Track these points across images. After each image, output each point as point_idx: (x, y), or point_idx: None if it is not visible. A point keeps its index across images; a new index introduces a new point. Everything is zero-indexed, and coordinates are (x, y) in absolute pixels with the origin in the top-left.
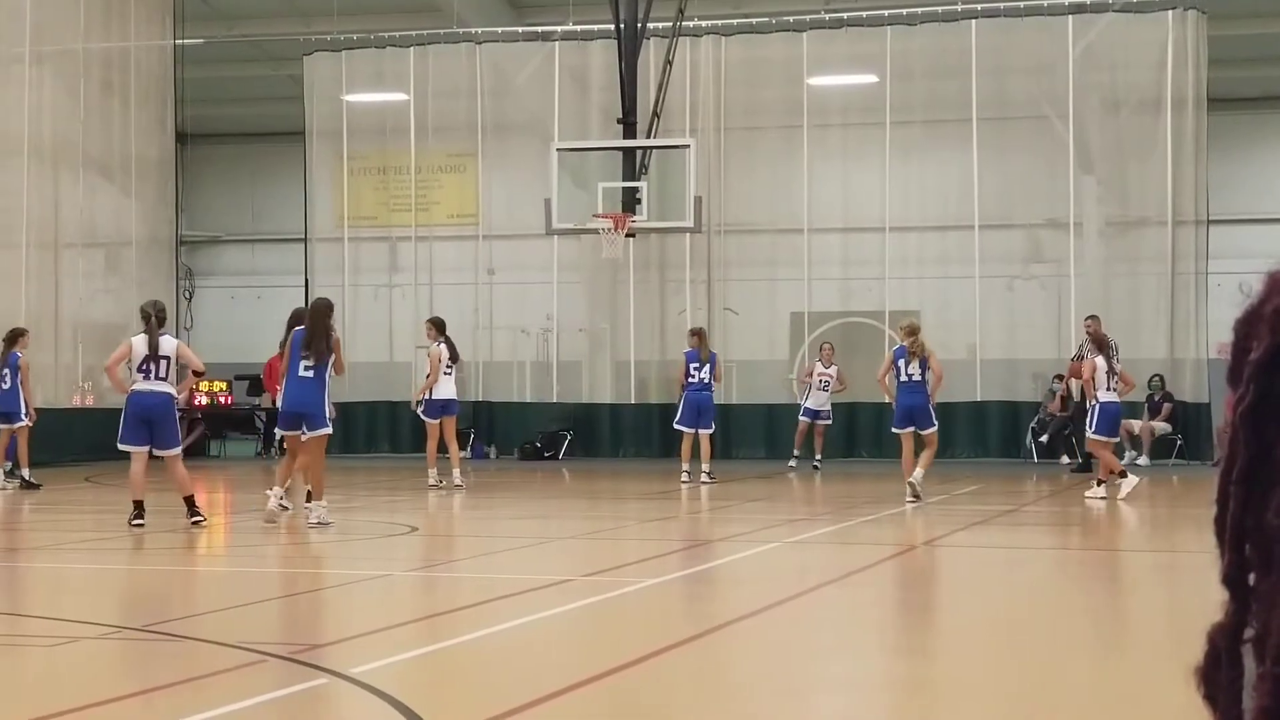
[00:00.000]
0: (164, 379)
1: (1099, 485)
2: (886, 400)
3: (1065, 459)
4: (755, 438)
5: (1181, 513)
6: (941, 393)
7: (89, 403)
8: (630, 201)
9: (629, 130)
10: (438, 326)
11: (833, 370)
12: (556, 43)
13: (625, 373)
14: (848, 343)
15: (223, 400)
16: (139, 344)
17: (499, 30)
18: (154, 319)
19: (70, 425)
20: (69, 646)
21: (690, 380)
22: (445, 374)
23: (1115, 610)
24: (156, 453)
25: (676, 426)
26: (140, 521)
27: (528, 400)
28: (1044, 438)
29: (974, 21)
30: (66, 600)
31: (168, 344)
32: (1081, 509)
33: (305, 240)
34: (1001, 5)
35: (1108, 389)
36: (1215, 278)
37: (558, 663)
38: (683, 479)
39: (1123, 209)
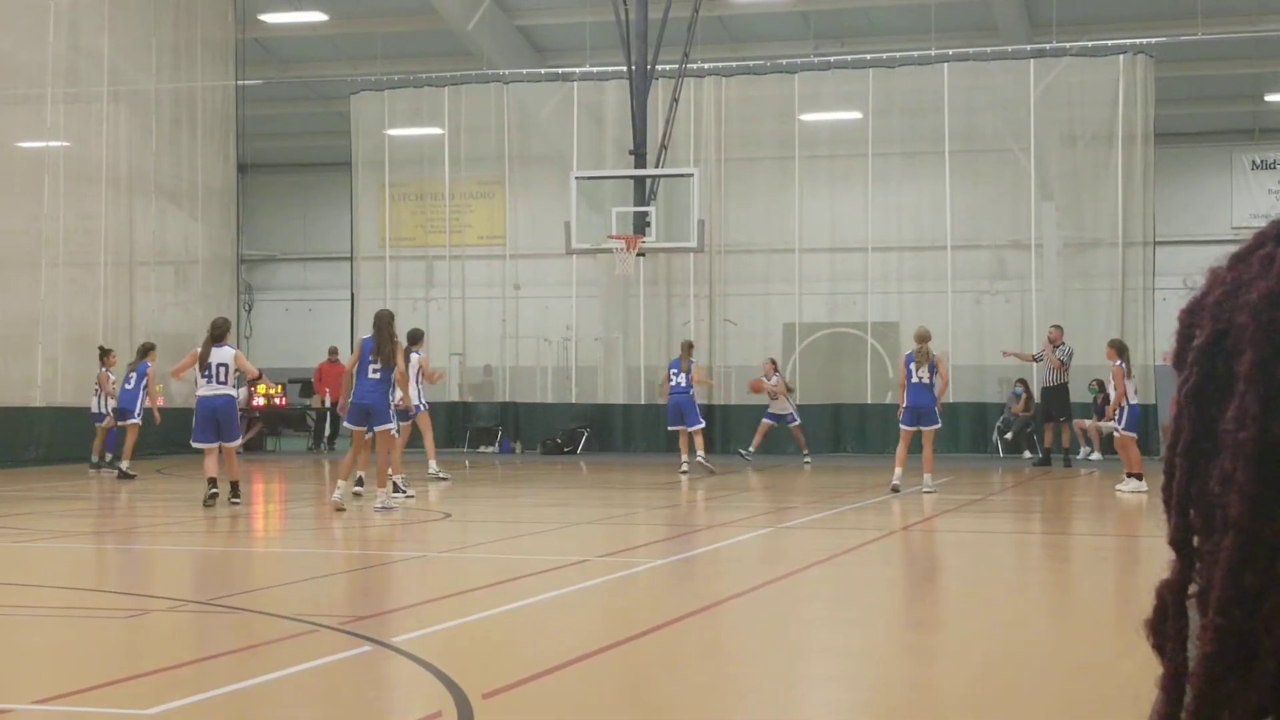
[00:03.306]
0: (224, 383)
1: (1131, 479)
2: (889, 401)
3: (1027, 454)
4: (751, 436)
5: (1131, 500)
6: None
7: (161, 403)
8: (641, 224)
9: (639, 161)
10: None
11: (775, 380)
12: (575, 83)
13: (636, 377)
14: (834, 351)
15: (278, 401)
16: (202, 353)
17: (524, 71)
18: (209, 334)
19: (146, 422)
20: (141, 619)
21: (672, 384)
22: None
23: (1071, 585)
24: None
25: (669, 428)
26: (215, 493)
27: (549, 401)
28: (1009, 435)
29: (946, 65)
30: (140, 577)
31: (224, 354)
32: (1041, 497)
33: (351, 259)
34: (971, 50)
35: (1135, 392)
36: (1162, 293)
37: (577, 633)
38: (681, 470)
39: (1078, 231)
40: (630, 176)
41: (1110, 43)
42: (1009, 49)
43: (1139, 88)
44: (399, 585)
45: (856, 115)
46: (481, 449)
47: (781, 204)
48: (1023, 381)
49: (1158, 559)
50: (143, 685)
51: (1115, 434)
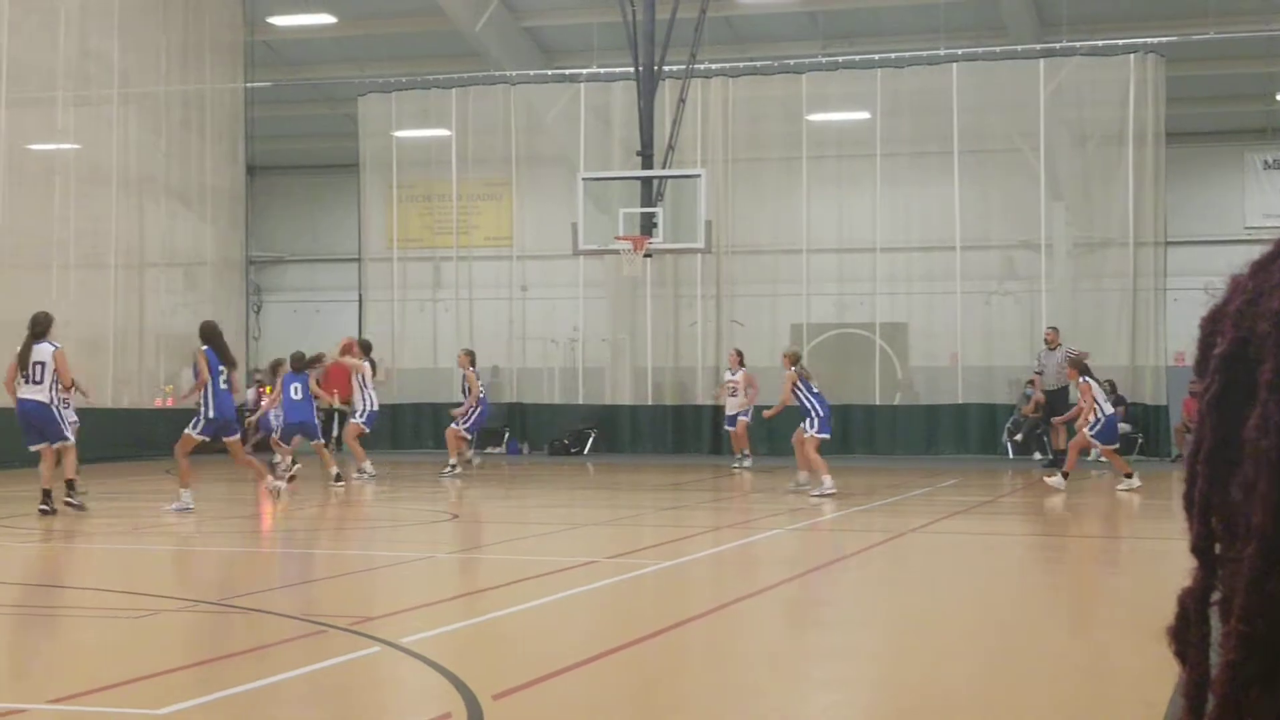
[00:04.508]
0: (39, 383)
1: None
2: (898, 402)
3: (1037, 455)
4: (756, 437)
5: (1143, 503)
6: (927, 395)
7: (169, 405)
8: (648, 225)
9: (646, 162)
10: (365, 349)
11: (739, 374)
12: (582, 84)
13: (643, 378)
14: (841, 351)
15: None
16: (20, 354)
17: (531, 73)
18: (30, 331)
19: (153, 424)
20: (151, 619)
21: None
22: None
23: (1080, 588)
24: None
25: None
26: (43, 508)
27: (556, 402)
28: (1018, 437)
29: (955, 65)
30: (148, 578)
31: (43, 352)
32: (1050, 499)
33: (359, 260)
34: (980, 50)
35: (1108, 401)
36: (1173, 293)
37: (586, 635)
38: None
39: (1089, 231)
40: (637, 177)
41: (1121, 42)
42: (1018, 48)
43: (1150, 87)
44: (407, 586)
45: (865, 115)
46: (489, 450)
47: (789, 204)
48: (1033, 382)
49: (1169, 561)
50: (155, 685)
51: (1095, 448)
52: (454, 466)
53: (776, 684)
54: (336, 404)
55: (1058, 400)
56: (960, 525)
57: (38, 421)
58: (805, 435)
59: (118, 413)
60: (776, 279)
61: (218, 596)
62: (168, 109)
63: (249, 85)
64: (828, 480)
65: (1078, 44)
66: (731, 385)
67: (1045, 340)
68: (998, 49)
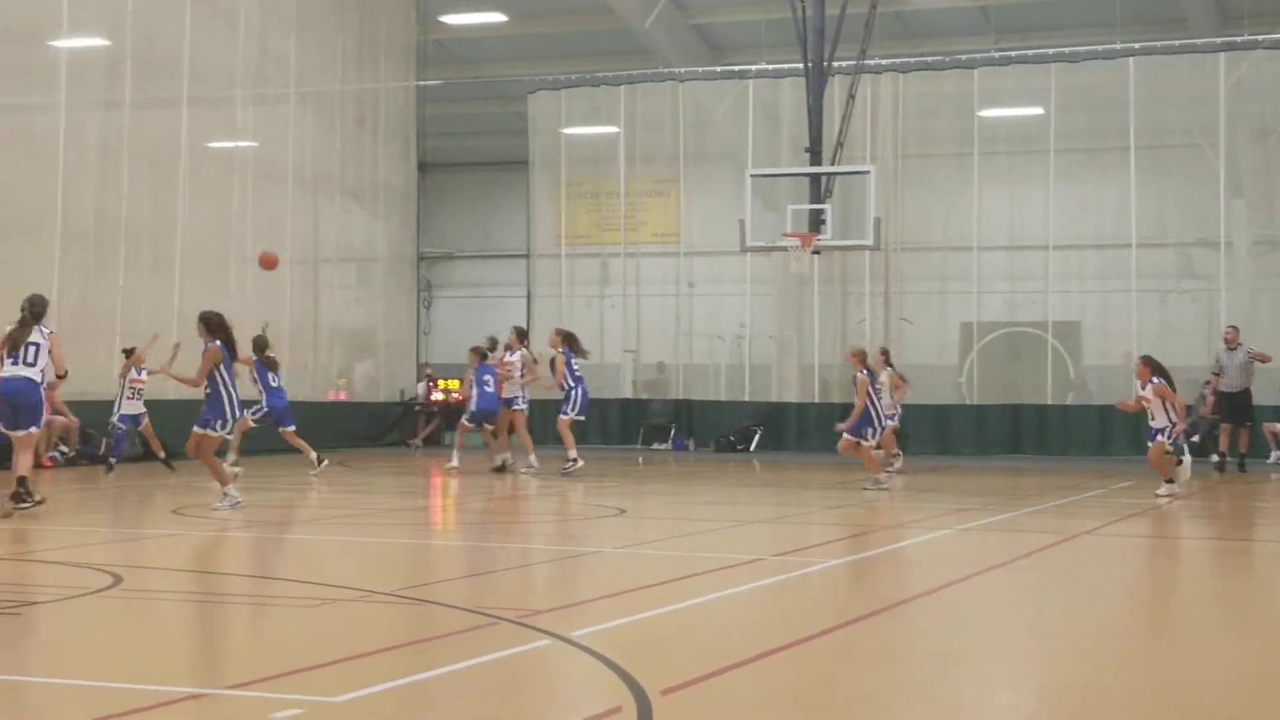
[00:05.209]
0: (32, 365)
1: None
2: (1070, 401)
3: (1215, 457)
4: (926, 435)
5: None
6: (1100, 395)
7: (343, 397)
8: (816, 222)
9: (815, 158)
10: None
11: (884, 376)
12: (751, 80)
13: (810, 375)
14: (1012, 350)
15: (456, 397)
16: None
17: (700, 70)
18: (30, 312)
19: (327, 416)
20: (325, 608)
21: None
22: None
23: (1258, 594)
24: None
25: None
26: (23, 504)
27: (722, 399)
28: (1195, 438)
29: (1131, 59)
30: (320, 568)
31: (39, 334)
32: (1229, 503)
33: (528, 256)
34: (1158, 43)
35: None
36: None
37: (754, 632)
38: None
39: (1270, 229)
40: (806, 174)
41: None
42: (1197, 42)
43: None
44: (576, 580)
45: (1038, 111)
46: (654, 446)
47: (960, 201)
48: (1210, 383)
49: None
50: (330, 673)
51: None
52: (574, 460)
53: (944, 685)
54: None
55: (1239, 402)
56: (1135, 528)
57: (22, 400)
58: (863, 443)
59: (294, 405)
60: (946, 276)
61: (388, 587)
62: (342, 107)
63: (421, 84)
64: (882, 476)
65: (1259, 37)
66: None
67: (1225, 340)
68: (1176, 43)
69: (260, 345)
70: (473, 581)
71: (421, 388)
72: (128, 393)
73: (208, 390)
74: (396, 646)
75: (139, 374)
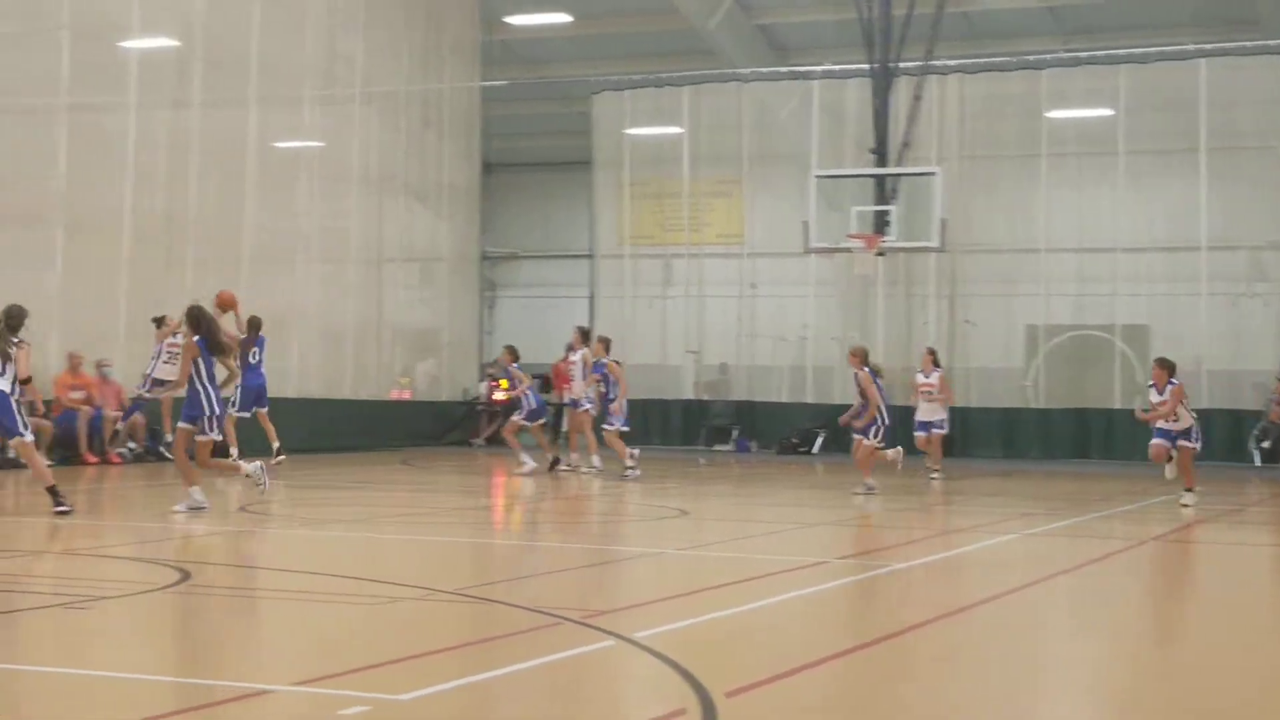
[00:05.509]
0: (1, 374)
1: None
2: (1117, 406)
3: None
4: (991, 438)
5: None
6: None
7: (406, 396)
8: (880, 223)
9: (880, 159)
10: (589, 337)
11: (934, 379)
12: (815, 82)
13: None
14: (1079, 353)
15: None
16: None
17: (764, 71)
18: (5, 325)
19: (389, 415)
20: (390, 606)
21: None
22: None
23: None
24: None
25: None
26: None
27: (785, 400)
28: (1266, 444)
29: (1203, 60)
30: (384, 566)
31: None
32: None
33: (591, 257)
34: (1230, 44)
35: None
36: None
37: (818, 635)
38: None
39: None
40: (870, 175)
41: None
42: (1270, 43)
43: None
44: (639, 581)
45: (1107, 112)
46: (717, 447)
47: (1026, 203)
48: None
49: None
50: (395, 671)
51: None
52: (633, 468)
53: (1011, 692)
54: (564, 399)
55: None
56: (1204, 534)
57: None
58: (866, 442)
59: (357, 404)
60: (1012, 278)
61: (452, 586)
62: (407, 108)
63: (485, 84)
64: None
65: None
66: (927, 389)
67: None
68: (1249, 43)
69: (255, 324)
70: (536, 581)
71: (484, 387)
72: (164, 356)
73: (187, 390)
74: (461, 645)
75: (176, 338)
